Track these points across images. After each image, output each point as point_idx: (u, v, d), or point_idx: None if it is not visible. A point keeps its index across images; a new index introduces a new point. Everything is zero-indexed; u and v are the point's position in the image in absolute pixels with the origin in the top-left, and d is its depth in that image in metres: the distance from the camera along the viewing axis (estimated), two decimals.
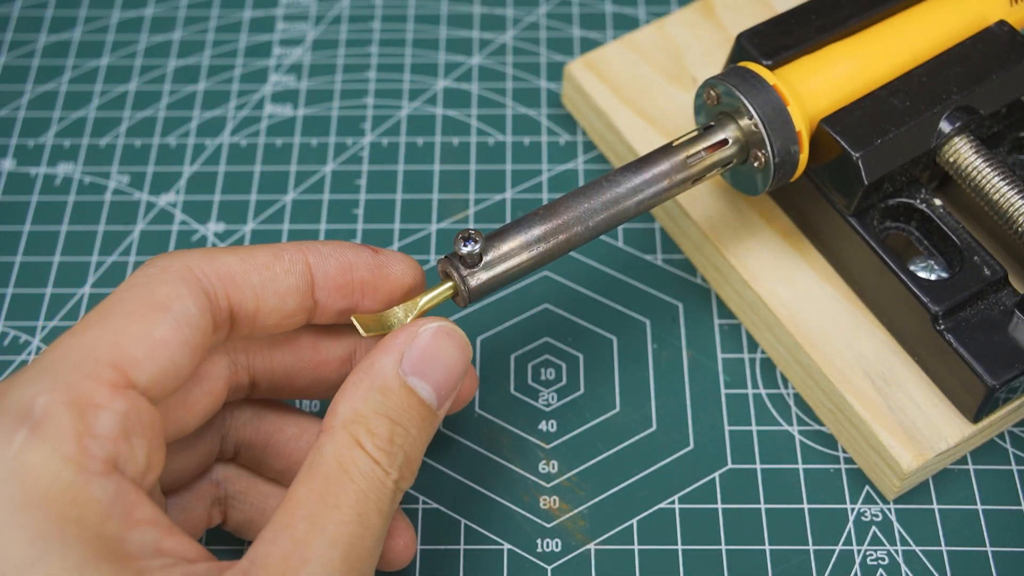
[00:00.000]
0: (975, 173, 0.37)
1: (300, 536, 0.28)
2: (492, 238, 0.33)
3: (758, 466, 0.39)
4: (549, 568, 0.37)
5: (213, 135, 0.48)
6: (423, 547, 0.38)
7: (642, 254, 0.45)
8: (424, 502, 0.39)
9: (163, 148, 0.48)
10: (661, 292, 0.43)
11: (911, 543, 0.38)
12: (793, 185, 0.39)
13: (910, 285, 0.37)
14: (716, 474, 0.39)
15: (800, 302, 0.40)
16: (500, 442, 0.40)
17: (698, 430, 0.40)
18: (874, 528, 0.38)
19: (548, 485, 0.39)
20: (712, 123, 0.36)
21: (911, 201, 0.38)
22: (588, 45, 0.51)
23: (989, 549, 0.38)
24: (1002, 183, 0.37)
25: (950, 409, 0.38)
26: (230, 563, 0.28)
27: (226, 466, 0.36)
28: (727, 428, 0.40)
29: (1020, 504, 0.39)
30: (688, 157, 0.36)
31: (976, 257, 0.37)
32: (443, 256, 0.33)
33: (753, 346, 0.42)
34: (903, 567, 0.37)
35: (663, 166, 0.35)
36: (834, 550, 0.38)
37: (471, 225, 0.45)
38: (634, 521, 0.38)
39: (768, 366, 0.42)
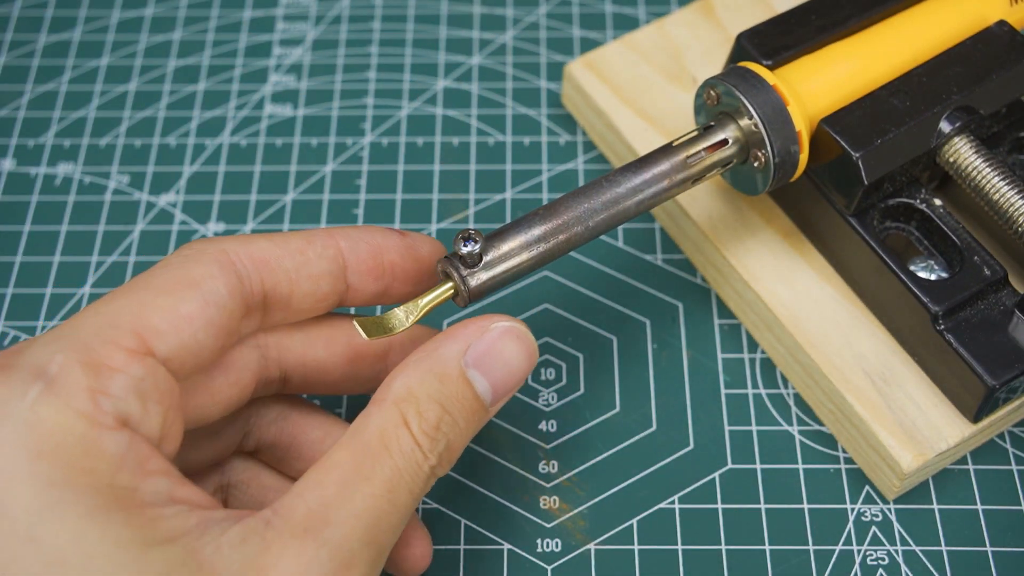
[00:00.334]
0: (975, 173, 0.37)
1: (328, 498, 0.28)
2: (492, 238, 0.33)
3: (758, 466, 0.39)
4: (549, 568, 0.37)
5: (213, 135, 0.48)
6: None
7: (642, 254, 0.45)
8: (424, 502, 0.39)
9: (163, 148, 0.48)
10: (661, 292, 0.43)
11: (911, 543, 0.38)
12: (793, 185, 0.39)
13: (910, 285, 0.37)
14: (716, 474, 0.39)
15: (800, 302, 0.40)
16: (500, 442, 0.40)
17: (698, 430, 0.40)
18: (874, 528, 0.38)
19: (548, 485, 0.39)
20: (712, 123, 0.36)
21: (911, 201, 0.38)
22: (588, 45, 0.51)
23: (989, 549, 0.38)
24: (1002, 183, 0.37)
25: (950, 409, 0.38)
26: (250, 511, 0.28)
27: (234, 454, 0.36)
28: (727, 428, 0.40)
29: (1020, 504, 0.39)
30: (688, 157, 0.36)
31: (976, 257, 0.37)
32: (443, 256, 0.33)
33: (753, 346, 0.42)
34: (903, 567, 0.37)
35: (663, 166, 0.35)
36: (834, 550, 0.38)
37: (471, 225, 0.45)
38: (634, 521, 0.38)
39: (768, 366, 0.42)
